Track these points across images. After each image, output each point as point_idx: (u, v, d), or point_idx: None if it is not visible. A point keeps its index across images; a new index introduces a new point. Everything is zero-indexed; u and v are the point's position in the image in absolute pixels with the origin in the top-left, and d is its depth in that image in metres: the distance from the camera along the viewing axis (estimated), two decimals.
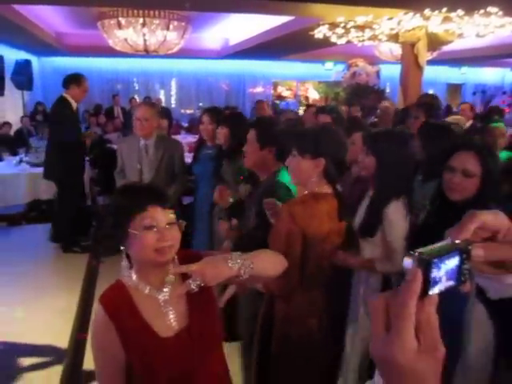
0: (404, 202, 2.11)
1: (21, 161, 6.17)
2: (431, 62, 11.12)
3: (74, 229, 5.07)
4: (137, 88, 13.73)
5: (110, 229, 1.35)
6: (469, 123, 4.62)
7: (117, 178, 3.53)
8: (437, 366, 0.54)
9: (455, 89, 15.70)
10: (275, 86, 14.77)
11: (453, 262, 0.56)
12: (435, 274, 0.54)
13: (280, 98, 14.44)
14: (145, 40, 7.87)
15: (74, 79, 4.77)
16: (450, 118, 4.46)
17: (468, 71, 15.35)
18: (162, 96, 13.82)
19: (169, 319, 1.34)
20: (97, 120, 9.49)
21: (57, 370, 3.00)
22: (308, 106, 5.77)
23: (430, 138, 2.57)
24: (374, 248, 2.13)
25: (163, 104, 12.77)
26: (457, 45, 10.63)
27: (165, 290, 1.35)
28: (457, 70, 15.24)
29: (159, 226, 1.28)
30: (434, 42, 5.34)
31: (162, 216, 1.29)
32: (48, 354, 3.19)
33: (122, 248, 1.33)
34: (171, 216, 1.31)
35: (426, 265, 0.53)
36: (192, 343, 1.33)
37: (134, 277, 1.35)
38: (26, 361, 3.12)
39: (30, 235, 5.29)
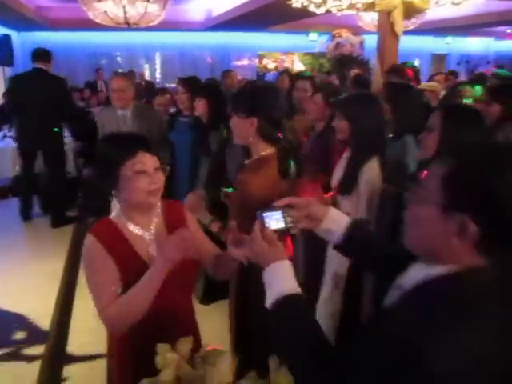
0: (379, 161, 2.26)
1: (4, 136, 6.23)
2: (416, 32, 11.17)
3: (62, 201, 5.20)
4: (120, 62, 13.61)
5: (102, 175, 1.46)
6: (443, 92, 4.75)
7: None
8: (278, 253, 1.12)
9: (440, 59, 15.74)
10: (261, 58, 14.70)
11: (278, 215, 1.18)
12: (268, 220, 1.17)
13: (266, 70, 14.41)
14: (125, 12, 7.80)
15: (48, 53, 4.86)
16: (424, 85, 4.59)
17: (453, 41, 15.37)
18: (146, 70, 13.73)
19: (153, 255, 1.46)
20: (81, 94, 9.47)
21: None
22: (281, 72, 5.82)
23: (394, 97, 2.69)
24: (351, 205, 2.29)
25: (147, 78, 12.71)
26: (441, 14, 10.69)
27: (151, 229, 1.49)
28: (441, 40, 15.25)
29: (148, 170, 1.41)
30: (410, 10, 5.40)
31: (151, 161, 1.42)
32: (34, 317, 3.33)
33: (113, 192, 1.46)
34: (157, 161, 1.45)
35: (262, 215, 1.17)
36: (170, 279, 1.40)
37: (123, 217, 1.47)
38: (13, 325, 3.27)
39: (17, 208, 5.40)
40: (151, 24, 8.69)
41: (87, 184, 5.36)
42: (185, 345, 1.04)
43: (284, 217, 1.18)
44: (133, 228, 1.47)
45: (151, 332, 1.31)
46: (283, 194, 1.98)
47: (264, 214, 1.16)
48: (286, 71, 6.04)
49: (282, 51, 14.63)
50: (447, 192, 0.88)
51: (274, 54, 15.00)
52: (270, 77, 13.51)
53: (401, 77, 3.43)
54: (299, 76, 3.83)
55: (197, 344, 1.27)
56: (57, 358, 2.78)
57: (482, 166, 0.87)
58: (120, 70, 12.01)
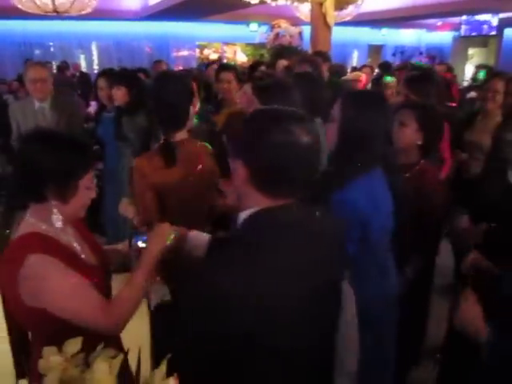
0: None
1: None
2: (353, 24, 11.45)
3: None
4: (54, 52, 12.99)
5: (54, 182, 1.30)
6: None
7: (15, 147, 3.42)
8: None
9: (376, 50, 16.23)
10: (201, 48, 14.53)
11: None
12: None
13: (206, 60, 14.25)
14: (53, 0, 7.45)
15: None
16: (351, 75, 4.70)
17: (388, 33, 15.90)
18: (82, 60, 13.19)
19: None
20: (9, 87, 8.96)
21: None
22: (209, 63, 5.83)
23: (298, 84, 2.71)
24: None
25: (84, 69, 12.22)
26: (376, 6, 11.00)
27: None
28: (377, 32, 15.74)
29: (92, 185, 1.38)
30: (341, 1, 5.53)
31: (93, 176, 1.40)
32: None
33: (52, 201, 1.32)
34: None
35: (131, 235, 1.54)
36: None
37: (58, 228, 1.37)
38: None
39: None
40: (84, 12, 8.35)
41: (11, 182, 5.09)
42: (72, 346, 1.00)
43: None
44: (66, 238, 1.41)
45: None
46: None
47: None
48: (213, 63, 6.04)
49: (223, 41, 14.53)
50: (230, 142, 1.13)
51: (214, 45, 14.87)
52: None
53: (313, 67, 3.44)
54: (222, 67, 3.76)
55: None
56: None
57: (256, 125, 1.07)
58: (53, 62, 11.52)
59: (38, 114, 3.31)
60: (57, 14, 8.10)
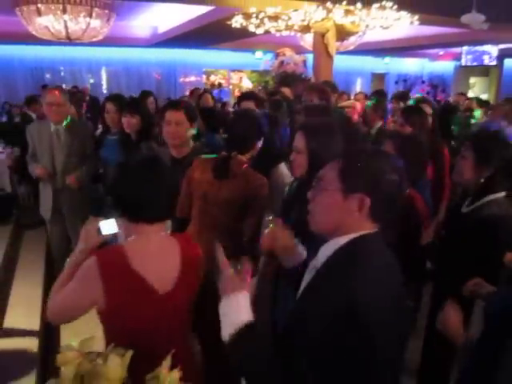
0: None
1: None
2: (357, 52, 11.73)
3: None
4: (64, 77, 13.34)
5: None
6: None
7: (29, 162, 3.56)
8: None
9: (379, 78, 16.55)
10: (207, 74, 14.88)
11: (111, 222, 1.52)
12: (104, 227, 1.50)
13: (213, 86, 14.57)
14: (66, 27, 7.73)
15: None
16: (345, 103, 4.87)
17: (391, 61, 16.25)
18: (91, 85, 13.53)
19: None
20: (20, 109, 9.21)
21: None
22: (204, 91, 6.06)
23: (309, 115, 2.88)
24: None
25: (91, 93, 12.53)
26: (379, 36, 11.30)
27: None
28: (380, 60, 16.08)
29: None
30: (342, 33, 5.75)
31: None
32: None
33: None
34: None
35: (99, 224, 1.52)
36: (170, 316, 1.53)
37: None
38: None
39: None
40: (95, 39, 8.65)
41: (23, 200, 5.25)
42: (86, 344, 1.11)
43: (117, 222, 1.52)
44: None
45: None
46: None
47: (100, 223, 1.51)
48: (207, 90, 6.24)
49: (229, 68, 14.88)
50: (344, 180, 1.19)
51: (221, 71, 15.23)
52: (215, 93, 13.68)
53: (322, 97, 3.58)
54: (244, 97, 3.86)
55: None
56: None
57: (364, 160, 1.21)
58: (64, 86, 11.83)
59: (52, 136, 3.45)
60: (69, 41, 8.39)
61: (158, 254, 1.43)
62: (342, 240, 1.19)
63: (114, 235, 1.52)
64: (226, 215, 2.12)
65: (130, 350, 1.12)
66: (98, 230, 1.51)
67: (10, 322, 3.25)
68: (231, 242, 1.90)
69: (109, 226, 1.52)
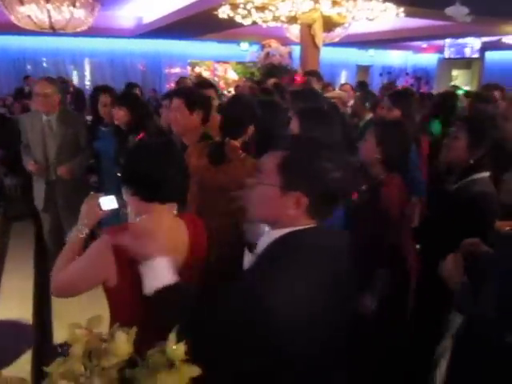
0: None
1: None
2: (342, 44, 11.79)
3: None
4: (47, 68, 13.11)
5: None
6: (351, 100, 5.07)
7: (23, 153, 3.55)
8: None
9: (364, 70, 16.65)
10: (193, 66, 14.79)
11: (111, 198, 1.58)
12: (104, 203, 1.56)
13: (199, 78, 14.48)
14: (50, 17, 7.61)
15: None
16: (331, 93, 4.91)
17: (375, 53, 16.36)
18: (74, 76, 13.35)
19: None
20: (3, 101, 9.09)
21: None
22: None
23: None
24: None
25: (76, 85, 12.37)
26: (364, 28, 11.37)
27: None
28: (365, 52, 16.18)
29: None
30: (329, 24, 5.79)
31: None
32: None
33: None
34: None
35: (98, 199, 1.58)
36: None
37: None
38: None
39: None
40: (79, 30, 8.53)
41: (9, 191, 5.19)
42: (94, 322, 1.14)
43: (117, 199, 1.58)
44: None
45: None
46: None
47: (101, 199, 1.56)
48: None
49: (214, 60, 14.81)
50: (283, 176, 1.16)
51: (206, 63, 15.14)
52: None
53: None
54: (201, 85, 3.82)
55: None
56: None
57: (307, 156, 1.17)
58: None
59: (44, 127, 3.43)
60: (53, 31, 8.27)
61: (168, 233, 1.47)
62: (277, 233, 1.19)
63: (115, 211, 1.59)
64: (223, 200, 2.17)
65: (135, 327, 1.15)
66: (99, 206, 1.56)
67: (2, 314, 3.24)
68: (227, 228, 1.95)
69: (109, 202, 1.58)
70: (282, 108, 2.80)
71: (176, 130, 2.66)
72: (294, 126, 2.00)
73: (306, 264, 1.14)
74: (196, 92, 2.95)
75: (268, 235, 1.23)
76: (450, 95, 4.28)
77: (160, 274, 1.27)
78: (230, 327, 1.13)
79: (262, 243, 1.23)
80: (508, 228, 1.67)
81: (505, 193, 2.28)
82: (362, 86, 5.65)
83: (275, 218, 1.20)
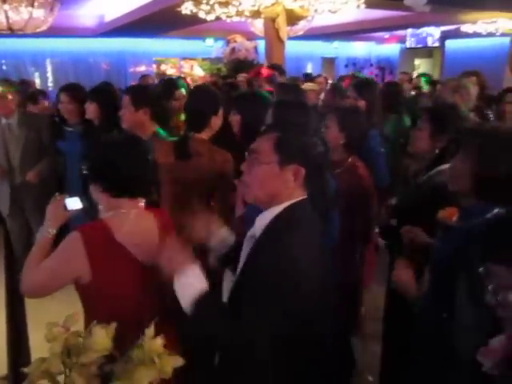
0: None
1: None
2: (306, 37, 11.88)
3: None
4: (6, 70, 12.72)
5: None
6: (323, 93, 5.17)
7: None
8: None
9: (329, 62, 16.82)
10: (158, 64, 14.62)
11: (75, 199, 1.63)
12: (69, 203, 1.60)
13: (164, 75, 14.34)
14: (7, 18, 7.40)
15: None
16: (306, 85, 4.99)
17: (340, 45, 16.53)
18: (36, 78, 12.99)
19: None
20: None
21: None
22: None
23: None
24: None
25: (38, 86, 12.06)
26: (327, 21, 11.48)
27: None
28: (329, 45, 16.33)
29: None
30: (292, 17, 5.84)
31: None
32: None
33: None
34: None
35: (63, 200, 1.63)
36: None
37: None
38: None
39: None
40: (39, 30, 8.32)
41: None
42: (71, 320, 1.15)
43: (81, 200, 1.64)
44: None
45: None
46: None
47: (66, 200, 1.61)
48: None
49: (180, 57, 14.68)
50: (280, 153, 1.31)
51: (172, 60, 14.99)
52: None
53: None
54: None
55: None
56: None
57: (296, 135, 1.37)
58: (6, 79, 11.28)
59: (5, 131, 3.36)
60: (11, 32, 8.04)
61: (138, 227, 1.48)
62: (277, 209, 1.32)
63: (80, 211, 1.64)
64: (195, 196, 2.18)
65: (114, 323, 1.17)
66: (64, 207, 1.59)
67: None
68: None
69: (74, 203, 1.62)
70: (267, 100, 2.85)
71: (124, 126, 2.64)
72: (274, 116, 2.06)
73: (307, 230, 1.31)
74: (145, 89, 2.91)
75: (266, 214, 1.35)
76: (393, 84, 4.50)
77: (196, 281, 1.31)
78: (267, 288, 1.22)
79: (260, 223, 1.35)
80: (454, 218, 1.72)
81: None
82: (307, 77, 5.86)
83: (276, 193, 1.33)
